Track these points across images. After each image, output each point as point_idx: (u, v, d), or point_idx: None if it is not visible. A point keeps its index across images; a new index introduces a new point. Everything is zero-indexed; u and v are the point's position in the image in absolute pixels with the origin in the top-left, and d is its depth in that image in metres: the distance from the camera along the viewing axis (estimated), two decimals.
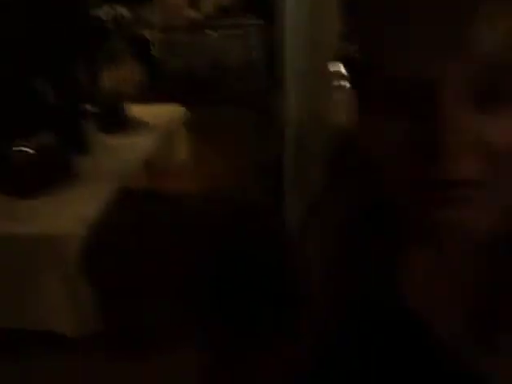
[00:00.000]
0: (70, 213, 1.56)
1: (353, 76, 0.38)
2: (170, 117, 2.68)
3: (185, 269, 2.00)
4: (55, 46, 2.48)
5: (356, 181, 0.51)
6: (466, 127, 0.32)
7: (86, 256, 1.53)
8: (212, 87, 5.95)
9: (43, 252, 1.45)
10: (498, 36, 0.30)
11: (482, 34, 0.30)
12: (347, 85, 0.40)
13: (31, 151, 1.72)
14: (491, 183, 0.34)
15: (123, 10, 12.27)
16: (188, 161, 2.94)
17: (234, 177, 2.78)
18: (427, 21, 0.31)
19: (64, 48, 2.96)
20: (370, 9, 0.34)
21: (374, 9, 0.34)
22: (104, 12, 11.15)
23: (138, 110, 2.49)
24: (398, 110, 0.33)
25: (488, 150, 0.33)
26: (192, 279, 1.84)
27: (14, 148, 1.71)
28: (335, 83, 1.88)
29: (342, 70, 0.40)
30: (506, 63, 0.31)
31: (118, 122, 2.26)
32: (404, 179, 0.35)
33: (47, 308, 1.50)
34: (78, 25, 3.59)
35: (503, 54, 0.31)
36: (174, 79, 5.87)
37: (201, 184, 2.92)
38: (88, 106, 2.26)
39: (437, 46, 0.31)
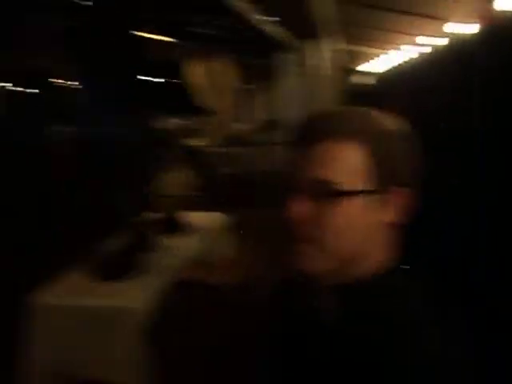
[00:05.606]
0: (136, 294, 2.09)
1: None
2: (213, 221, 3.30)
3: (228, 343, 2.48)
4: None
5: None
6: (307, 214, 0.62)
7: (148, 328, 2.06)
8: (253, 193, 6.67)
9: (117, 320, 1.98)
10: None
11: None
12: None
13: (114, 249, 2.36)
14: (321, 242, 0.61)
15: (177, 122, 13.53)
16: (230, 256, 3.47)
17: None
18: None
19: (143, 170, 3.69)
20: None
21: None
22: (161, 123, 12.43)
23: (187, 216, 3.14)
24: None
25: (320, 224, 0.61)
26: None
27: (101, 246, 2.36)
28: None
29: None
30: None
31: (173, 227, 2.89)
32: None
33: (119, 363, 2.00)
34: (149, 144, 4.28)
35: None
36: (221, 185, 6.62)
37: (241, 275, 3.41)
38: (151, 215, 2.93)
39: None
